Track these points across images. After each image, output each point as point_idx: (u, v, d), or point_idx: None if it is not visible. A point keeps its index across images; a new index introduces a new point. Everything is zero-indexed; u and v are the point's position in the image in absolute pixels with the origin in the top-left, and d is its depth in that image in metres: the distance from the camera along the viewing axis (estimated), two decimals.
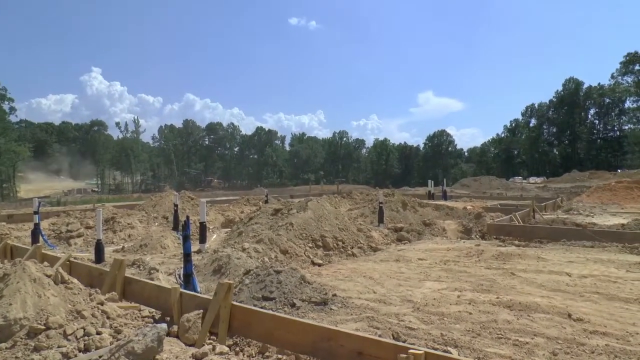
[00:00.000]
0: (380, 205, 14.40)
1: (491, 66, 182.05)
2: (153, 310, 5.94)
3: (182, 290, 5.75)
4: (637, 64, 77.67)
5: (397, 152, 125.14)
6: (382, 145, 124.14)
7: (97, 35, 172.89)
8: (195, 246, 12.16)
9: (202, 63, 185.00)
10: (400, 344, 3.99)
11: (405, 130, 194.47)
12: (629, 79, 79.20)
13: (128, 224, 13.63)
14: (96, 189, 75.34)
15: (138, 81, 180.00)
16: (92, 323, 4.87)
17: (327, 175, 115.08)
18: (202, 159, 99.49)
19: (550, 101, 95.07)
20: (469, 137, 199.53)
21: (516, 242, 11.68)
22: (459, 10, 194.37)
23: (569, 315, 5.80)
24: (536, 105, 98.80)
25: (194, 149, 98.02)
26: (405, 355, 3.69)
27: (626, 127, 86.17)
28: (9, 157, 54.10)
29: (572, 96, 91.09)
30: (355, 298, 6.59)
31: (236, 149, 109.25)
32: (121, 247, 11.72)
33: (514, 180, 63.81)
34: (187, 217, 7.14)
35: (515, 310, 6.08)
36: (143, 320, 5.64)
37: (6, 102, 53.44)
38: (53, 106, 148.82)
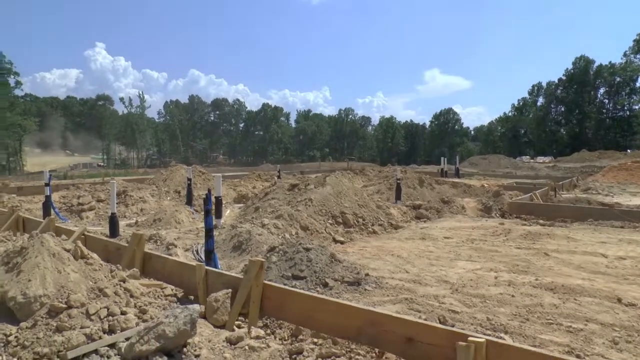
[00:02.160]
0: (398, 182, 14.00)
1: (498, 45, 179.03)
2: (175, 288, 5.62)
3: (207, 267, 5.40)
4: None
5: (403, 130, 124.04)
6: (388, 123, 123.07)
7: (101, 10, 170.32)
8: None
9: (206, 39, 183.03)
10: (458, 330, 3.63)
11: (411, 108, 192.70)
12: None
13: (140, 197, 13.28)
14: (102, 164, 75.11)
15: (142, 56, 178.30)
16: (116, 302, 4.53)
17: (333, 153, 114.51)
18: (207, 134, 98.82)
19: (559, 80, 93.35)
20: (475, 115, 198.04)
21: (540, 221, 11.29)
22: None
23: (619, 300, 5.45)
24: (544, 84, 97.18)
25: (199, 125, 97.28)
26: (464, 344, 3.33)
27: (636, 107, 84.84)
28: (16, 131, 53.77)
29: (582, 75, 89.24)
30: (388, 278, 6.24)
31: (241, 125, 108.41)
32: (134, 221, 11.39)
33: (521, 159, 63.06)
34: (209, 191, 6.77)
35: (559, 293, 5.73)
36: (166, 299, 5.30)
37: (12, 77, 52.78)
38: (57, 81, 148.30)
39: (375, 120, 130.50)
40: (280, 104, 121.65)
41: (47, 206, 11.15)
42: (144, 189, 14.85)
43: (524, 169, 43.85)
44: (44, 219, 10.87)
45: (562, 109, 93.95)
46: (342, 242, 9.30)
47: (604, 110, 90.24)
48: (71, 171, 53.14)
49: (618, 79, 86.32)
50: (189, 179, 13.31)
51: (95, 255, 5.14)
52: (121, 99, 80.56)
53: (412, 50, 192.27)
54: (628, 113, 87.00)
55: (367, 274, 6.07)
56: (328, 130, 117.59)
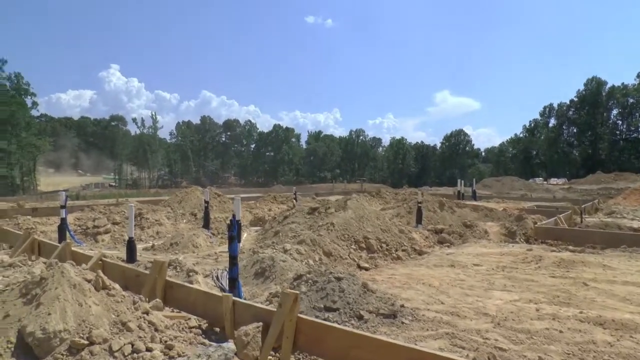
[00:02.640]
0: (419, 205, 13.64)
1: (508, 66, 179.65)
2: (198, 318, 5.30)
3: (234, 298, 5.09)
4: None
5: (413, 152, 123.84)
6: (398, 144, 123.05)
7: (116, 33, 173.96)
8: (223, 247, 11.56)
9: (218, 60, 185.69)
10: None
11: (421, 130, 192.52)
12: None
13: (155, 220, 13.04)
14: (113, 184, 75.42)
15: (155, 78, 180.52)
16: (140, 337, 4.23)
17: (344, 174, 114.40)
18: (218, 155, 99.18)
19: (571, 101, 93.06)
20: (485, 137, 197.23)
21: (570, 247, 10.85)
22: (476, 9, 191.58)
23: None
24: (555, 105, 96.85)
25: (211, 146, 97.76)
26: None
27: None
28: (30, 151, 54.32)
29: (594, 96, 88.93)
30: (424, 309, 5.87)
31: (252, 146, 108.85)
32: (151, 245, 11.12)
33: (534, 180, 62.34)
34: (234, 216, 6.49)
35: (610, 329, 5.32)
36: (191, 332, 4.98)
37: (29, 97, 53.63)
38: (72, 101, 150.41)
39: (386, 141, 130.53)
40: (291, 125, 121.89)
41: (62, 229, 10.92)
42: (159, 211, 14.60)
43: (539, 191, 43.23)
44: (59, 242, 10.68)
45: (575, 130, 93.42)
46: (366, 269, 8.94)
47: (617, 132, 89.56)
48: (83, 191, 53.38)
49: (631, 100, 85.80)
50: (206, 202, 13.03)
51: (117, 286, 4.85)
52: (134, 120, 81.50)
53: (422, 72, 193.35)
54: None
55: (402, 305, 5.71)
56: (339, 151, 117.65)
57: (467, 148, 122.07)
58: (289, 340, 4.42)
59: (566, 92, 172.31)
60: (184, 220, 14.75)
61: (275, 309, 4.97)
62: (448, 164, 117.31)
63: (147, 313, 4.66)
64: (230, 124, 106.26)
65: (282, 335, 4.45)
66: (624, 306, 6.27)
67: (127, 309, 4.55)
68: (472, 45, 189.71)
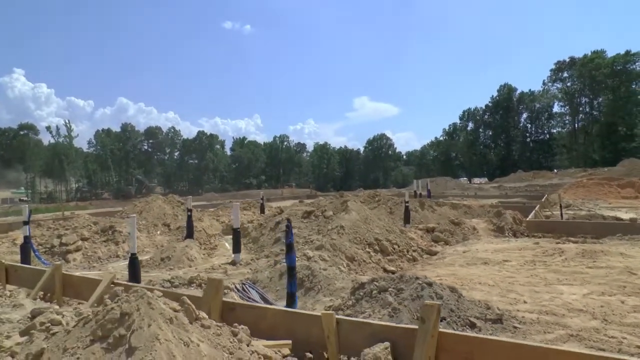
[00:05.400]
0: (407, 204, 13.32)
1: (425, 72, 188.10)
2: (286, 343, 4.39)
3: (338, 316, 4.26)
4: (565, 72, 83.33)
5: (337, 156, 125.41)
6: (322, 149, 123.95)
7: (19, 35, 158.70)
8: (216, 259, 10.47)
9: (135, 65, 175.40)
10: None
11: (342, 135, 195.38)
12: (559, 85, 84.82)
13: (129, 233, 11.51)
14: (25, 198, 68.30)
15: (67, 83, 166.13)
16: None
17: (269, 180, 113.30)
18: (140, 164, 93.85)
19: (486, 106, 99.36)
20: (404, 140, 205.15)
21: (572, 238, 11.01)
22: (395, 17, 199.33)
23: None
24: (472, 110, 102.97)
25: (132, 154, 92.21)
26: None
27: (554, 131, 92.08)
28: None
29: (506, 101, 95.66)
30: (514, 311, 5.38)
31: (176, 154, 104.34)
32: None
33: (459, 181, 65.48)
34: (289, 221, 5.60)
35: None
36: None
37: None
38: None
39: (309, 146, 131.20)
40: (213, 131, 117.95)
41: (26, 249, 9.19)
42: (125, 224, 12.97)
43: (472, 189, 45.24)
44: (21, 263, 8.99)
45: (490, 133, 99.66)
46: (393, 272, 8.35)
47: (527, 134, 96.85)
48: None
49: (538, 105, 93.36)
50: (189, 210, 11.68)
51: (204, 314, 3.82)
52: (48, 128, 74.36)
53: (341, 78, 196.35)
54: (547, 136, 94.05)
55: (499, 309, 5.17)
56: (263, 157, 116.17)
57: (390, 152, 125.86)
58: None
59: (482, 97, 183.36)
60: (158, 232, 13.25)
61: (389, 323, 4.24)
62: (372, 167, 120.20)
63: (248, 344, 3.71)
64: (152, 132, 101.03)
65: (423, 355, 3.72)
66: None
67: (231, 342, 3.57)
68: (390, 52, 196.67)
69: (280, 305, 6.38)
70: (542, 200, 19.20)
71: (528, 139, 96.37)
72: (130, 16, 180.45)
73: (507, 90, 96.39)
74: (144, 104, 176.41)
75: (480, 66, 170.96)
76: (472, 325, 4.61)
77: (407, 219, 13.20)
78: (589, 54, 77.82)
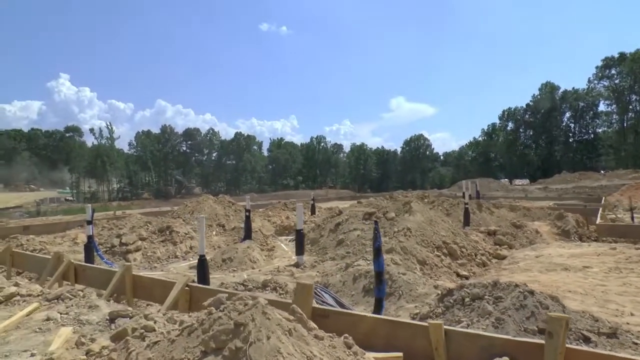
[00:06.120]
0: (466, 206, 12.89)
1: (463, 72, 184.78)
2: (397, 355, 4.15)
3: (446, 327, 4.00)
4: (613, 69, 79.88)
5: (374, 157, 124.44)
6: (359, 150, 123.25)
7: (65, 41, 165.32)
8: (277, 260, 10.34)
9: (173, 69, 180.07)
10: None
11: (378, 135, 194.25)
12: (605, 83, 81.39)
13: (186, 234, 11.56)
14: (70, 198, 70.82)
15: (108, 87, 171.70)
16: None
17: (306, 180, 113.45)
18: (179, 165, 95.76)
19: (527, 105, 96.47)
20: (440, 141, 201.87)
21: None
22: (431, 17, 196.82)
23: None
24: (512, 109, 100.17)
25: (171, 155, 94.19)
26: None
27: (599, 130, 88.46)
28: None
29: (548, 100, 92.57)
30: (623, 324, 4.99)
31: (214, 155, 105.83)
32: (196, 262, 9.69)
33: (501, 182, 63.76)
34: (376, 223, 5.36)
35: None
36: None
37: None
38: (18, 113, 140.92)
39: (345, 147, 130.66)
40: (249, 132, 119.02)
41: (90, 249, 9.31)
42: (183, 224, 13.05)
43: (516, 191, 43.95)
44: (85, 263, 9.09)
45: (531, 133, 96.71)
46: (466, 277, 8.01)
47: (570, 134, 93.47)
48: (38, 207, 49.55)
49: (582, 104, 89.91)
50: (248, 211, 11.62)
51: (312, 324, 3.63)
52: (91, 130, 76.82)
53: (377, 78, 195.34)
54: (592, 136, 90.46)
55: (609, 322, 4.79)
56: (300, 158, 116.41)
57: (427, 152, 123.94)
58: None
59: (522, 97, 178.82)
60: (213, 232, 13.29)
61: (509, 337, 3.94)
62: (409, 168, 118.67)
63: (362, 357, 3.50)
64: (190, 133, 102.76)
65: None
66: None
67: (347, 355, 3.36)
68: (427, 52, 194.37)
69: (358, 311, 6.17)
70: (602, 202, 18.29)
71: (571, 139, 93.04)
72: (169, 21, 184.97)
73: (549, 89, 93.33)
74: (181, 106, 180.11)
75: (520, 66, 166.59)
76: (587, 340, 4.26)
77: (466, 221, 12.78)
78: None
